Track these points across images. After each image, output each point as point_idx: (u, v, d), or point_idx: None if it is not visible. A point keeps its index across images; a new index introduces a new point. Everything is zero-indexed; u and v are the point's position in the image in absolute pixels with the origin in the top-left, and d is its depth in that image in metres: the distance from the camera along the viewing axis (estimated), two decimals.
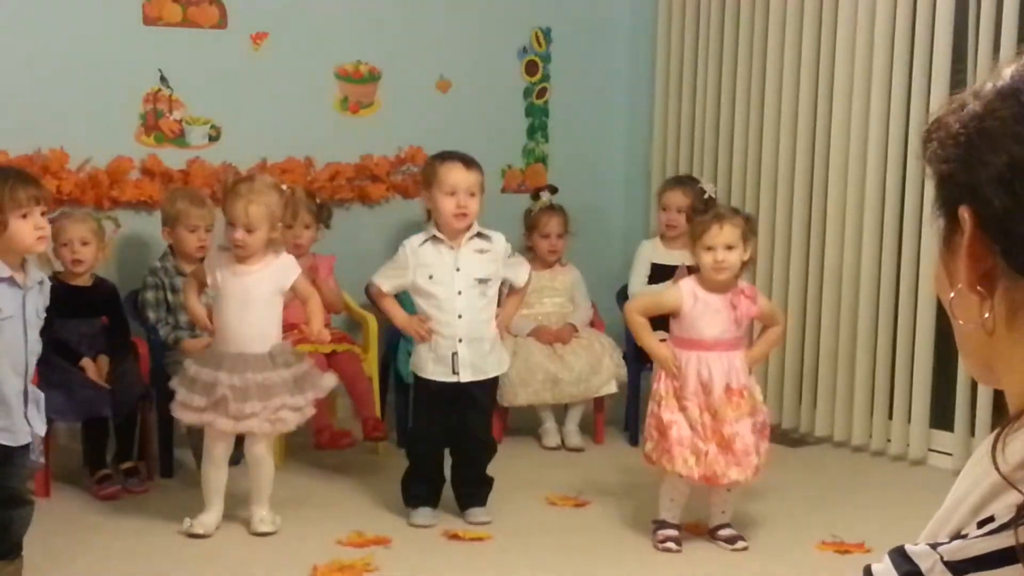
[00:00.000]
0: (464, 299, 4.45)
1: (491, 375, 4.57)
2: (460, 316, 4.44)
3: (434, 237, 4.46)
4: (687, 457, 4.19)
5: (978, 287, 1.04)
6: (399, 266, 4.50)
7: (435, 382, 4.47)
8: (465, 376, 4.46)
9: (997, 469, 0.96)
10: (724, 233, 4.21)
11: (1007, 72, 1.05)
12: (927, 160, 1.09)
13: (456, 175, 4.43)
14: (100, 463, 4.77)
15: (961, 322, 1.08)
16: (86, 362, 4.70)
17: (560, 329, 5.54)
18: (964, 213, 1.03)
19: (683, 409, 4.21)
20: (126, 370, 4.78)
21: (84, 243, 4.78)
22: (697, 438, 4.18)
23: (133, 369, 4.83)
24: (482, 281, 4.48)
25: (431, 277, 4.45)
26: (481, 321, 4.49)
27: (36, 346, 3.74)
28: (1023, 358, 1.02)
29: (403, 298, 4.63)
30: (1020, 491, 0.94)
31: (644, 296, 4.52)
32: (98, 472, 4.74)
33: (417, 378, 4.56)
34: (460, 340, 4.44)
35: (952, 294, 1.07)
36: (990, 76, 1.07)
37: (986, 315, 1.04)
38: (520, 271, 4.67)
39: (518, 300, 4.75)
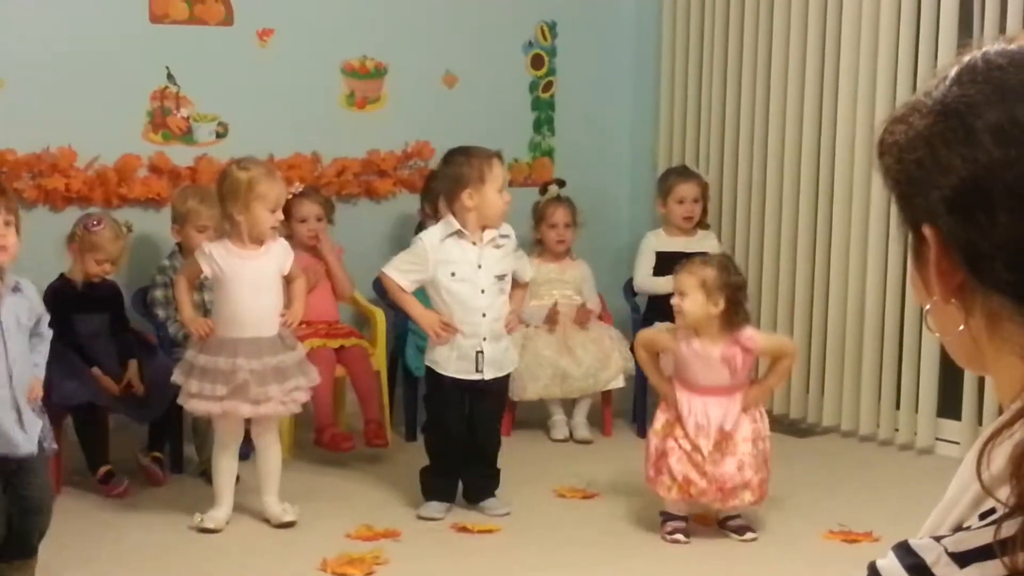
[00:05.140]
0: (487, 297, 4.42)
1: (508, 370, 4.59)
2: (484, 315, 4.41)
3: (459, 232, 4.40)
4: (683, 484, 4.23)
5: (953, 299, 1.04)
6: (417, 260, 4.43)
7: (452, 378, 4.45)
8: (489, 374, 4.44)
9: (980, 480, 0.97)
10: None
11: (947, 81, 1.04)
12: (883, 175, 1.09)
13: (501, 170, 4.43)
14: (100, 459, 4.73)
15: (937, 335, 1.08)
16: (96, 371, 4.69)
17: (579, 312, 5.53)
18: (927, 231, 1.03)
19: (683, 437, 4.24)
20: (157, 370, 4.66)
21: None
22: (693, 471, 4.20)
23: (165, 368, 4.60)
24: (500, 277, 4.46)
25: (453, 274, 4.40)
26: (501, 318, 4.47)
27: (21, 355, 3.61)
28: (1008, 364, 1.02)
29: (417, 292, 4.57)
30: (998, 500, 0.95)
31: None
32: (100, 470, 4.70)
33: (432, 373, 4.51)
34: (484, 339, 4.42)
35: (928, 305, 1.07)
36: (936, 80, 1.06)
37: (960, 327, 1.04)
38: (526, 265, 4.68)
39: (523, 294, 4.72)
